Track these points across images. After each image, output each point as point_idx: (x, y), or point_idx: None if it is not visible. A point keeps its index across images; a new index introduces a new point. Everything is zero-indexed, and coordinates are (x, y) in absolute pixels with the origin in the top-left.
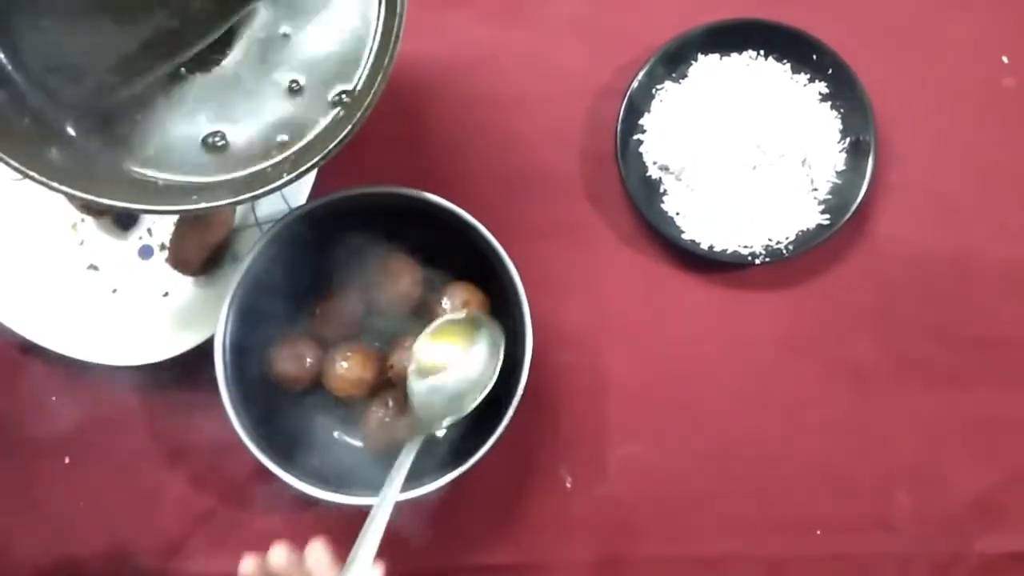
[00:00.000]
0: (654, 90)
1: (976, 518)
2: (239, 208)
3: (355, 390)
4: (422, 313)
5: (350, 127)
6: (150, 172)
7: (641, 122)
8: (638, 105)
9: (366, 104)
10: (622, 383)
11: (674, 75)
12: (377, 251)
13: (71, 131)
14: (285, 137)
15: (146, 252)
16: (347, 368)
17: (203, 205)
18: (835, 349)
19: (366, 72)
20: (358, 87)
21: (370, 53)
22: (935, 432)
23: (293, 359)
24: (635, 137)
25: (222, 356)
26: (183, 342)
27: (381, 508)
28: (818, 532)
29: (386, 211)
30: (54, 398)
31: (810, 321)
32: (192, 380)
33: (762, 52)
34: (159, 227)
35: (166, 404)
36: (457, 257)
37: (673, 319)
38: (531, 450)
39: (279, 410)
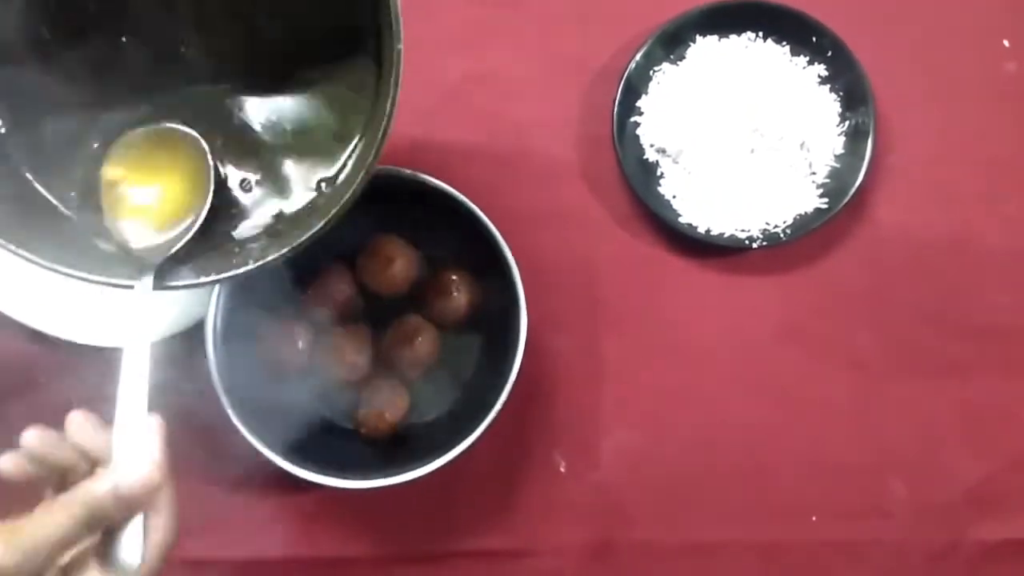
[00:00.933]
0: (652, 72)
1: (972, 505)
2: None
3: (349, 373)
4: (416, 296)
5: (324, 222)
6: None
7: (638, 104)
8: (635, 87)
9: (344, 199)
10: (617, 367)
11: (672, 57)
12: (371, 232)
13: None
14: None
15: None
16: (340, 351)
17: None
18: (832, 334)
19: (350, 163)
20: (339, 178)
21: (356, 144)
22: (931, 419)
23: (286, 341)
24: (632, 119)
25: (213, 338)
26: (174, 324)
27: (135, 344)
28: (813, 518)
29: (381, 193)
30: (42, 379)
31: (807, 306)
32: (184, 362)
33: (761, 34)
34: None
35: (156, 387)
36: (452, 240)
37: (669, 303)
38: (524, 435)
39: (272, 393)
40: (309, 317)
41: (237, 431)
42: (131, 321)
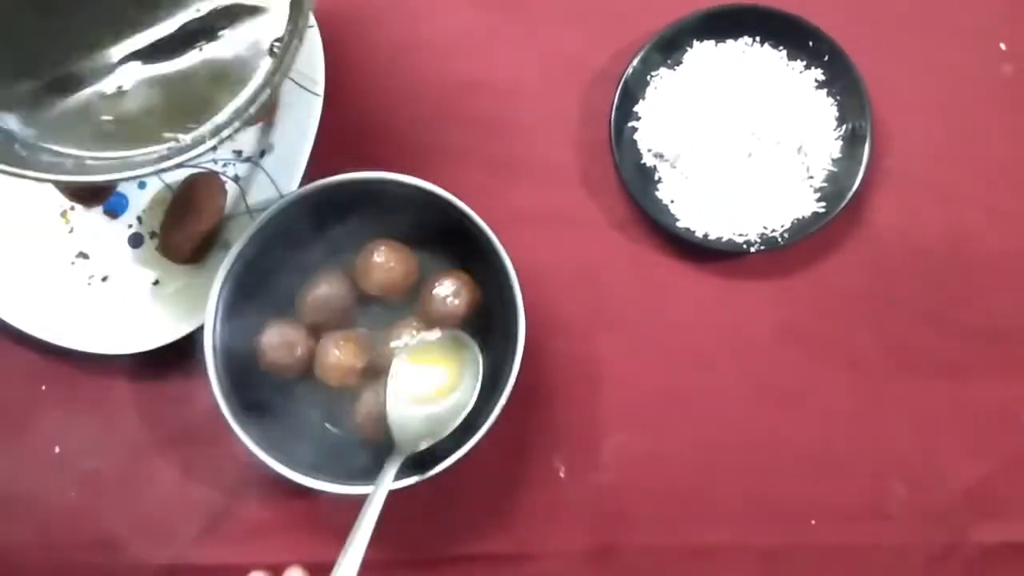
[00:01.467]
0: (649, 77)
1: (972, 507)
2: (230, 196)
3: (347, 378)
4: (414, 301)
5: (270, 90)
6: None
7: (636, 109)
8: (633, 92)
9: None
10: (616, 372)
11: (669, 62)
12: (369, 238)
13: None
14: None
15: (136, 240)
16: (338, 356)
17: (125, 175)
18: (830, 338)
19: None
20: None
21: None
22: (931, 421)
23: (284, 347)
24: (629, 124)
25: (212, 344)
26: (174, 330)
27: (363, 525)
28: (813, 522)
29: (378, 198)
30: (44, 387)
31: (806, 310)
32: (183, 369)
33: (758, 38)
34: (149, 215)
35: (156, 393)
36: (450, 244)
37: (667, 307)
38: (524, 439)
39: (270, 398)
40: (307, 322)
41: (235, 437)
42: (369, 497)
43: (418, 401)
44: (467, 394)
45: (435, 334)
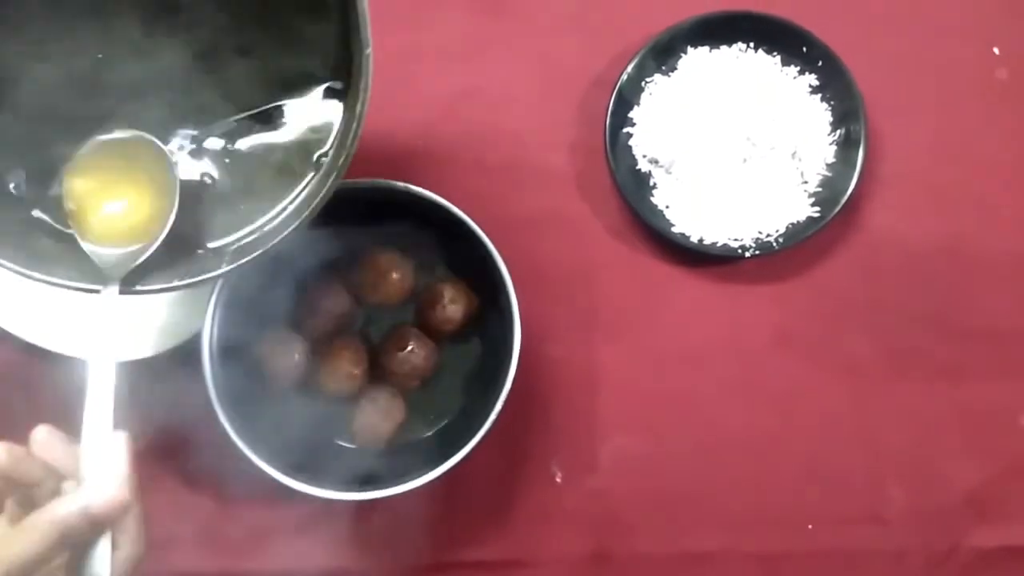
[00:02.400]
0: (644, 83)
1: (970, 511)
2: None
3: (344, 385)
4: (412, 307)
5: (289, 229)
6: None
7: (631, 115)
8: (628, 98)
9: (314, 204)
10: (612, 376)
11: (664, 68)
12: (366, 245)
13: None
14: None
15: None
16: (336, 363)
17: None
18: (827, 342)
19: (320, 172)
20: (306, 189)
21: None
22: (928, 425)
23: (281, 354)
24: (625, 130)
25: (209, 352)
26: (171, 338)
27: (100, 356)
28: (810, 526)
29: (375, 205)
30: (41, 393)
31: (801, 314)
32: (180, 376)
33: (752, 44)
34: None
35: (154, 401)
36: (446, 251)
37: (663, 312)
38: (520, 444)
39: (267, 406)
40: (305, 329)
41: (233, 444)
42: (97, 332)
43: (113, 225)
44: (165, 199)
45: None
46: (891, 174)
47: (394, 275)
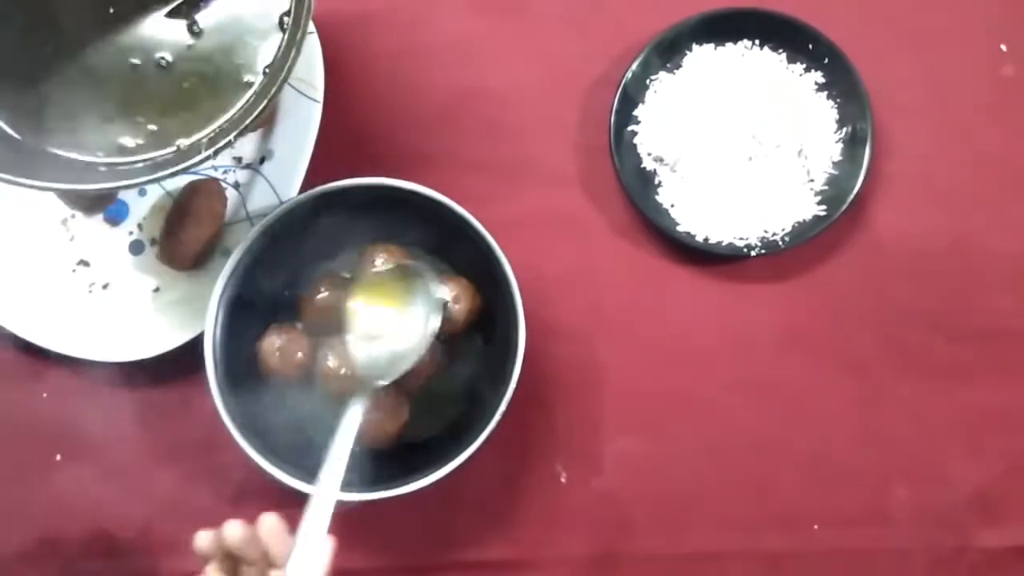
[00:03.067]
0: (648, 80)
1: (975, 512)
2: (230, 202)
3: (346, 384)
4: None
5: (266, 100)
6: (76, 155)
7: (635, 113)
8: (632, 96)
9: (281, 76)
10: (617, 376)
11: (669, 65)
12: (369, 244)
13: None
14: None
15: (137, 247)
16: (338, 362)
17: (123, 183)
18: (833, 341)
19: (282, 47)
20: (275, 60)
21: (284, 31)
22: (934, 425)
23: (283, 353)
24: (629, 128)
25: (212, 351)
26: (174, 338)
27: (329, 476)
28: (816, 527)
29: (377, 204)
30: (45, 395)
31: (807, 313)
32: (183, 375)
33: (757, 42)
34: (150, 222)
35: (157, 400)
36: (450, 249)
37: (668, 311)
38: (525, 444)
39: (270, 404)
40: (307, 328)
41: (235, 443)
42: (339, 439)
43: (375, 342)
44: (425, 324)
45: (388, 265)
46: (898, 172)
47: None
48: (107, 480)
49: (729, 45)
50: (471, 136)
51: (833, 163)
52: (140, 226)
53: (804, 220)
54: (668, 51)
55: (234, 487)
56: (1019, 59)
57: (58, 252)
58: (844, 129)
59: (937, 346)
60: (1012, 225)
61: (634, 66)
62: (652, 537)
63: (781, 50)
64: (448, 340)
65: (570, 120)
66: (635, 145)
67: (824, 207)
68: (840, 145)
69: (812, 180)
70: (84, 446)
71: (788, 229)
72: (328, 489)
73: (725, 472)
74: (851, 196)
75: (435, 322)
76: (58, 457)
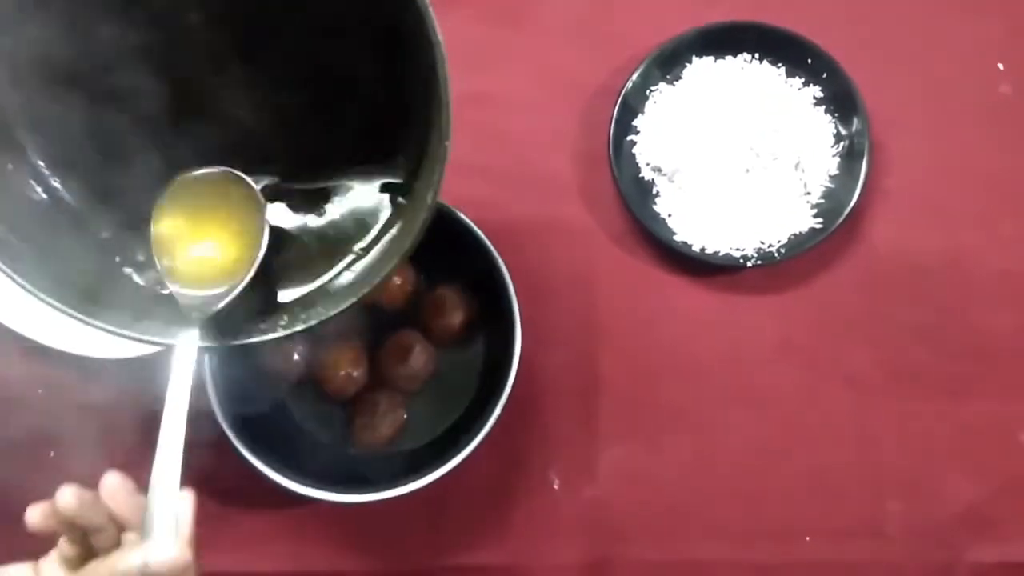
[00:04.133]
0: (648, 91)
1: (968, 527)
2: None
3: (344, 388)
4: (413, 310)
5: (356, 296)
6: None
7: (635, 123)
8: (632, 106)
9: (381, 275)
10: (612, 384)
11: (668, 77)
12: None
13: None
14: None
15: None
16: (336, 365)
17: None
18: (827, 354)
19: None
20: (371, 251)
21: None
22: (928, 439)
23: (281, 355)
24: (628, 138)
25: (209, 353)
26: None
27: (172, 415)
28: (807, 539)
29: None
30: (40, 391)
31: (802, 325)
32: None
33: (757, 55)
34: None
35: (154, 398)
36: (448, 255)
37: (664, 321)
38: (518, 450)
39: (267, 406)
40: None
41: (231, 444)
42: (172, 382)
43: (198, 267)
44: (250, 237)
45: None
46: (894, 187)
47: (396, 279)
48: (102, 477)
49: (729, 58)
50: (472, 143)
51: (830, 176)
52: None
53: (800, 232)
54: (668, 63)
55: (231, 488)
56: (1016, 77)
57: None
58: (841, 143)
59: (931, 361)
60: (1007, 242)
61: (634, 77)
62: (644, 545)
63: (780, 64)
64: (446, 345)
65: (570, 129)
66: (634, 155)
67: (820, 220)
68: (837, 159)
69: (809, 193)
70: (79, 444)
71: (784, 241)
72: (171, 436)
73: (718, 482)
74: (847, 209)
75: (265, 234)
76: (52, 454)
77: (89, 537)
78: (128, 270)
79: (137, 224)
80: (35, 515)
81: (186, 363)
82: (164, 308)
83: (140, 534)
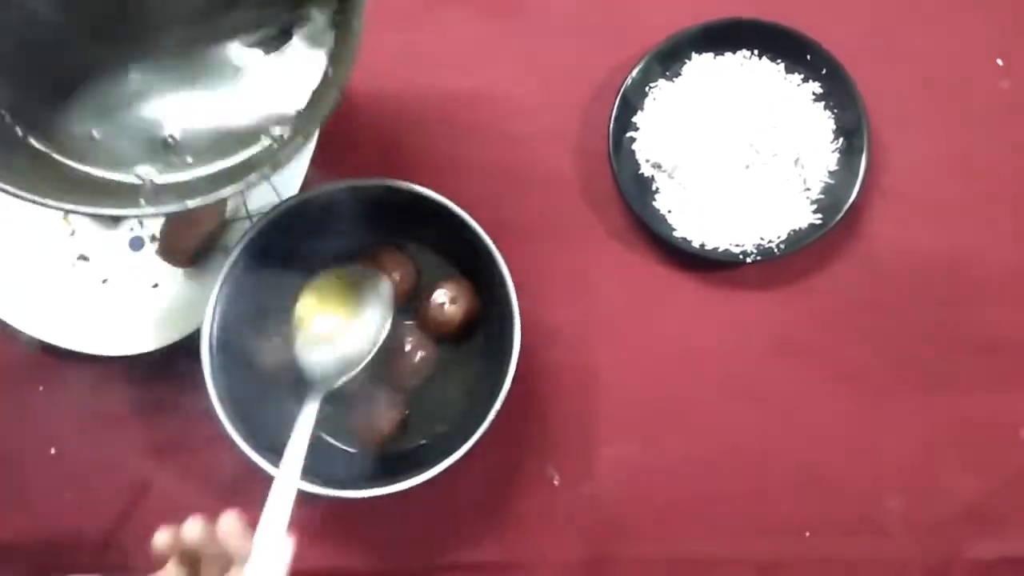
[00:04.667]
0: (648, 88)
1: (969, 523)
2: (230, 199)
3: (344, 384)
4: (413, 306)
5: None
6: (98, 172)
7: (634, 120)
8: (632, 103)
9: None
10: (611, 381)
11: (668, 73)
12: (367, 245)
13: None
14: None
15: (136, 243)
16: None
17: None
18: (826, 350)
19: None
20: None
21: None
22: (927, 435)
23: (280, 351)
24: (628, 135)
25: (208, 347)
26: (172, 333)
27: (286, 474)
28: (807, 535)
29: (377, 204)
30: (41, 388)
31: (801, 321)
32: (180, 371)
33: (756, 52)
34: (151, 219)
35: (154, 395)
36: (447, 252)
37: (663, 317)
38: (518, 447)
39: (266, 402)
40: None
41: (231, 440)
42: (293, 438)
43: (323, 347)
44: (377, 325)
45: (338, 272)
46: (893, 183)
47: (395, 275)
48: (103, 475)
49: (728, 54)
50: (471, 140)
51: (829, 172)
52: (140, 222)
53: (800, 228)
54: (668, 59)
55: (228, 483)
56: (1015, 73)
57: (58, 246)
58: (840, 139)
59: (932, 356)
60: (1006, 237)
61: (634, 73)
62: (643, 542)
63: (779, 60)
64: (446, 341)
65: (570, 125)
66: (634, 151)
67: (820, 216)
68: (836, 155)
69: (808, 189)
70: (80, 440)
71: (784, 237)
72: (285, 489)
73: (717, 478)
74: (846, 205)
75: (387, 327)
76: (53, 451)
77: (198, 564)
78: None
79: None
80: (163, 539)
81: (307, 424)
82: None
83: (244, 568)
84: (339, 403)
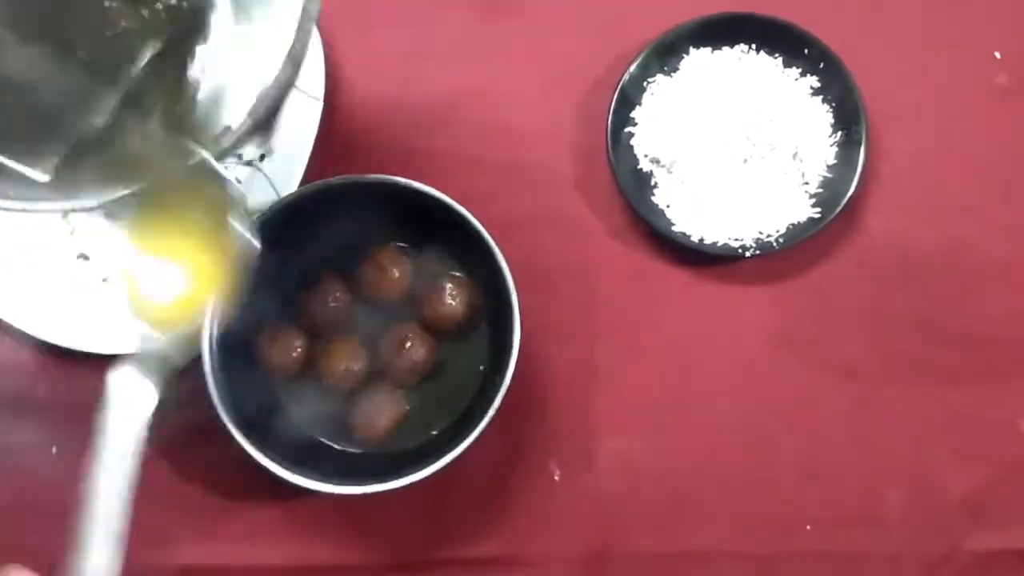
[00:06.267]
0: (646, 83)
1: (966, 515)
2: None
3: (343, 381)
4: (411, 304)
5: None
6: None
7: (632, 115)
8: (630, 98)
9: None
10: (611, 376)
11: (666, 68)
12: (366, 241)
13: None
14: None
15: None
16: (335, 359)
17: None
18: (825, 344)
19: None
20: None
21: None
22: (925, 429)
23: (281, 348)
24: (626, 130)
25: (209, 345)
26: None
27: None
28: (807, 528)
29: (375, 201)
30: (41, 387)
31: (800, 315)
32: (180, 370)
33: (754, 46)
34: None
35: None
36: (446, 248)
37: (663, 312)
38: (518, 442)
39: (266, 400)
40: (304, 324)
41: (231, 437)
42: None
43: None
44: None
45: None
46: (891, 176)
47: (394, 272)
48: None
49: (726, 49)
50: (469, 135)
51: (827, 166)
52: None
53: (798, 222)
54: (666, 54)
55: (231, 481)
56: (1013, 67)
57: (58, 245)
58: (839, 133)
59: (930, 350)
60: (1004, 231)
61: (632, 68)
62: (644, 536)
63: (777, 54)
64: (446, 338)
65: (568, 121)
66: (632, 146)
67: (818, 209)
68: (835, 148)
69: (807, 183)
70: (80, 439)
71: (782, 231)
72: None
73: (717, 472)
74: (845, 199)
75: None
76: (54, 449)
77: None
78: None
79: None
80: None
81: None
82: None
83: None
84: (339, 401)
